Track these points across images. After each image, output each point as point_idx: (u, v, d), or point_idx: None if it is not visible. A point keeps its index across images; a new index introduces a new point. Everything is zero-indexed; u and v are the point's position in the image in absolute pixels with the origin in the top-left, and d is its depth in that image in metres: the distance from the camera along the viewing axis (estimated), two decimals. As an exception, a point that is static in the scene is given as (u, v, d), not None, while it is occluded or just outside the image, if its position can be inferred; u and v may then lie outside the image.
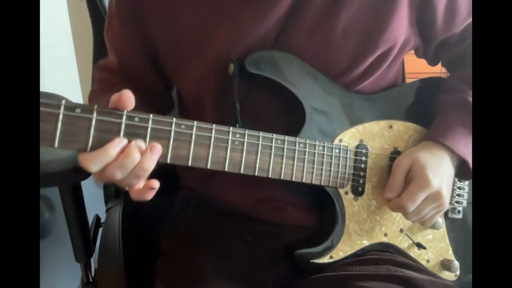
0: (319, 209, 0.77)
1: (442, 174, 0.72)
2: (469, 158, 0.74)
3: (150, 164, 0.57)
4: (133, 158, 0.55)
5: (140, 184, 0.58)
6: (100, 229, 1.06)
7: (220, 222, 0.83)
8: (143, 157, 0.56)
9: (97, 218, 1.09)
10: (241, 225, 0.81)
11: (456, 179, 0.81)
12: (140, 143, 0.57)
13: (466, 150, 0.74)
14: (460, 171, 0.76)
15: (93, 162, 0.55)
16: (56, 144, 0.54)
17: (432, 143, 0.75)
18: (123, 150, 0.55)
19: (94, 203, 1.13)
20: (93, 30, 1.15)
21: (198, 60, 0.73)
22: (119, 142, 0.55)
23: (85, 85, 1.78)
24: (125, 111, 0.57)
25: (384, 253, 0.77)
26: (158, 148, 0.57)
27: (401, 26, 0.73)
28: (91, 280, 0.99)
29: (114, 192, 1.19)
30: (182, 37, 0.73)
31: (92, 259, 0.99)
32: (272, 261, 0.78)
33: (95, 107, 0.55)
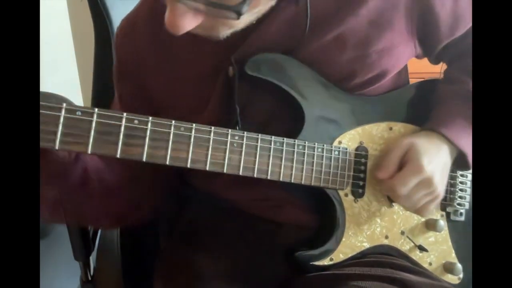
0: (319, 210, 0.76)
1: (437, 162, 0.72)
2: (468, 150, 0.73)
3: None
4: None
5: None
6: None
7: (219, 221, 0.83)
8: None
9: (98, 217, 1.08)
10: (240, 224, 0.81)
11: (459, 181, 0.81)
12: None
13: (466, 142, 0.73)
14: (459, 163, 0.76)
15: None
16: (57, 146, 0.56)
17: (432, 132, 0.75)
18: None
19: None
20: (94, 29, 1.15)
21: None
22: None
23: (85, 85, 1.78)
24: (125, 114, 0.58)
25: (384, 256, 0.76)
26: None
27: (396, 38, 0.73)
28: (90, 278, 0.99)
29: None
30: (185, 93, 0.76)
31: (92, 258, 0.99)
32: (271, 260, 0.78)
33: (96, 110, 0.57)
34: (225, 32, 0.61)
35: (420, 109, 0.79)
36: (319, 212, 0.77)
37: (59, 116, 0.55)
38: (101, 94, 1.09)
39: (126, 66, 0.78)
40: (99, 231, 1.04)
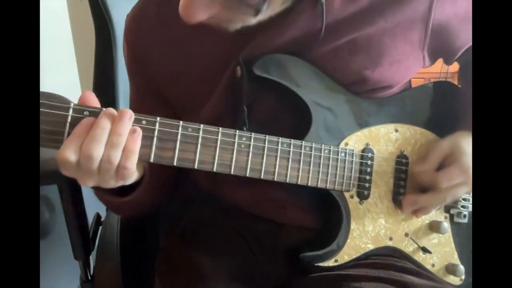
0: (323, 211, 0.76)
1: None
2: None
3: (124, 130, 0.55)
4: (102, 126, 0.54)
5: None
6: (101, 227, 1.06)
7: (220, 220, 0.82)
8: (114, 123, 0.55)
9: (98, 216, 1.08)
10: (242, 224, 0.81)
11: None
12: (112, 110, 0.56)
13: None
14: None
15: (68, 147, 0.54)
16: None
17: (469, 133, 0.75)
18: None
19: (97, 201, 1.12)
20: (94, 29, 1.14)
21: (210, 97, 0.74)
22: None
23: (85, 85, 1.78)
24: (133, 114, 0.57)
25: (386, 258, 0.76)
26: (128, 112, 0.56)
27: (408, 50, 0.73)
28: (89, 278, 0.99)
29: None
30: (194, 87, 0.75)
31: (91, 258, 0.99)
32: (271, 260, 0.78)
33: (103, 110, 0.56)
34: (237, 25, 0.61)
35: (427, 111, 0.80)
36: (321, 213, 0.77)
37: (66, 116, 0.54)
38: (102, 94, 1.08)
39: (136, 55, 0.78)
40: (99, 231, 1.04)
